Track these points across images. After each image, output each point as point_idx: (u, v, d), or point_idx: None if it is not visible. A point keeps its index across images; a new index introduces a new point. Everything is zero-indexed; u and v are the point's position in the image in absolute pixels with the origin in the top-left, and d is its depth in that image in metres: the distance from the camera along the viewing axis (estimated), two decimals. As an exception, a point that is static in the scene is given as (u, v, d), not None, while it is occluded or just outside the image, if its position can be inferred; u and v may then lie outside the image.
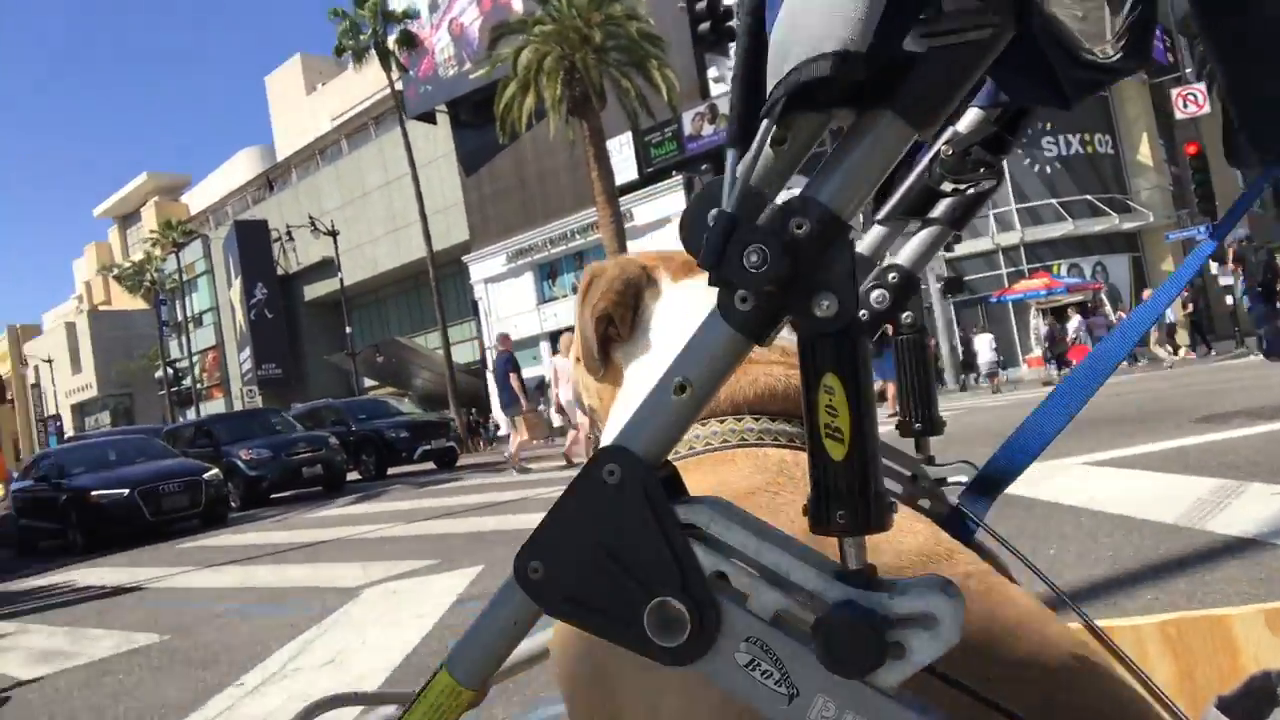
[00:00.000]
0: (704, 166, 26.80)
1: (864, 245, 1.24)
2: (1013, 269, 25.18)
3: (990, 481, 1.14)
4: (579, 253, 29.90)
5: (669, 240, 26.00)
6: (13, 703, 3.93)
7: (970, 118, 1.05)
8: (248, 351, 40.74)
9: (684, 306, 1.18)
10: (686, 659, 0.68)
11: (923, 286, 1.33)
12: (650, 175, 27.44)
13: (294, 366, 40.81)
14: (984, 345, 20.33)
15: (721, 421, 1.06)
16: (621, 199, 24.70)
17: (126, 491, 11.10)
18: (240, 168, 48.39)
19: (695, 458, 1.03)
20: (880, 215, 1.23)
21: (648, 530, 0.69)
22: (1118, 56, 0.71)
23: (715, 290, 0.69)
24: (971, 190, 1.15)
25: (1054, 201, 24.97)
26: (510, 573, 0.73)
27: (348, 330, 32.91)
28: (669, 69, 22.77)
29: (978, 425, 9.87)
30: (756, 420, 1.05)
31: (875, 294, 1.21)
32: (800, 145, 0.62)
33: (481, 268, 32.83)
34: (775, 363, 1.13)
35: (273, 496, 14.43)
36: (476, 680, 0.80)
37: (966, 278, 24.67)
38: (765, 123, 0.59)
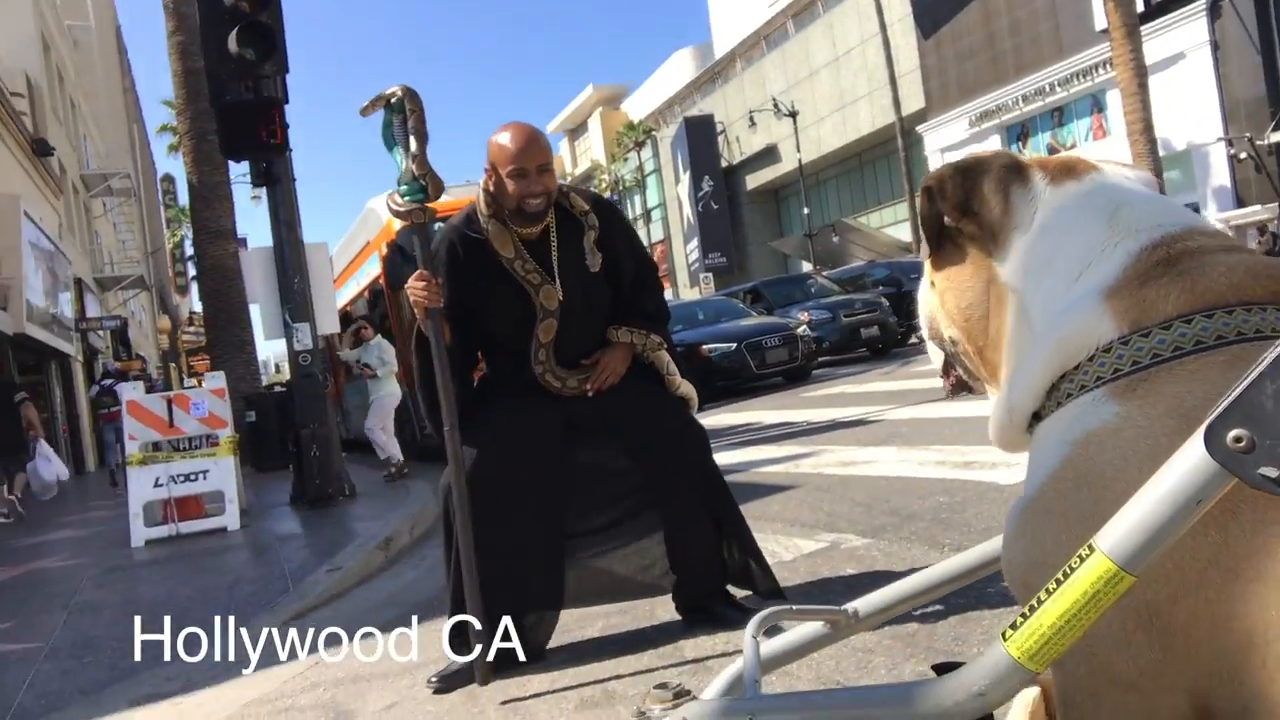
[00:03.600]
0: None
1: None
2: None
3: None
4: (1057, 108, 26.97)
5: (1182, 81, 22.36)
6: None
7: None
8: (695, 242, 42.71)
9: (1071, 214, 1.00)
10: None
11: None
12: (1160, 4, 23.66)
13: (736, 254, 42.10)
14: None
15: (1209, 316, 0.87)
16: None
17: (734, 345, 11.61)
18: (677, 69, 50.16)
19: (1193, 358, 0.86)
20: None
21: None
22: None
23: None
24: None
25: None
26: (1197, 445, 0.66)
27: (804, 211, 33.08)
28: None
29: None
30: (1249, 311, 0.87)
31: None
32: None
33: (939, 136, 30.94)
34: (1231, 248, 0.95)
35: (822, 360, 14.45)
36: (1140, 564, 0.72)
37: None
38: None
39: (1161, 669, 0.83)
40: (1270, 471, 0.65)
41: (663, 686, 2.46)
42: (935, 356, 1.31)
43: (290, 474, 7.98)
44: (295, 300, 7.33)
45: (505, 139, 2.63)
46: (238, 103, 7.13)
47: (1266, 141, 20.18)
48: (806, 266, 35.38)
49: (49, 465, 9.42)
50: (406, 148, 2.50)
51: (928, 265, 1.18)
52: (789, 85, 36.13)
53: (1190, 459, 0.69)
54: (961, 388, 1.29)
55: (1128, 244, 0.97)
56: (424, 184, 2.51)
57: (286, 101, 7.36)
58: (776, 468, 5.56)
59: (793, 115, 31.16)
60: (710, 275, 39.16)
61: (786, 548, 3.64)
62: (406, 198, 2.53)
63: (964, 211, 1.07)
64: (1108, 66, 21.89)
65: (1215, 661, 0.81)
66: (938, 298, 1.16)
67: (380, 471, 8.82)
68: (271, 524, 6.74)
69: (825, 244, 33.72)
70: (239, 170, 13.20)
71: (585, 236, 2.77)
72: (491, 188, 2.67)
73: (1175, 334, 0.88)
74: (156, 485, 6.39)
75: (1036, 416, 1.03)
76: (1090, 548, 0.74)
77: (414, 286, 2.58)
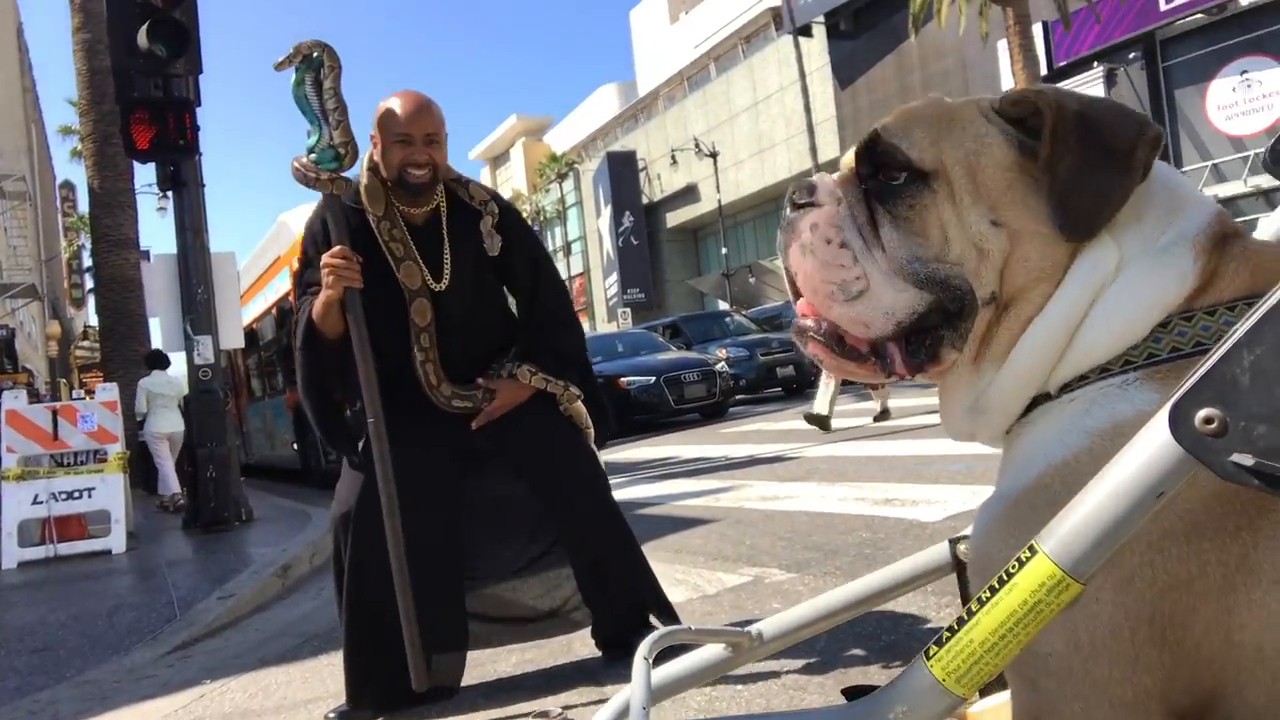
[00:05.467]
0: (1131, 54, 23.71)
1: None
2: None
3: None
4: (967, 163, 28.09)
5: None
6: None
7: None
8: (614, 277, 42.79)
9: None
10: None
11: None
12: (1061, 70, 24.93)
13: (654, 291, 42.33)
14: None
15: (1231, 309, 0.77)
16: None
17: (653, 379, 11.55)
18: (601, 104, 50.54)
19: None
20: None
21: None
22: None
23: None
24: None
25: None
26: (1160, 428, 0.59)
27: (723, 251, 33.53)
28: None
29: None
30: None
31: None
32: None
33: (854, 185, 31.92)
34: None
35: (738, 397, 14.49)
36: (1090, 568, 0.63)
37: None
38: None
39: (1168, 688, 0.74)
40: (1244, 459, 0.57)
41: (543, 715, 2.33)
42: (882, 317, 0.94)
43: (184, 496, 7.58)
44: (198, 311, 6.98)
45: (394, 104, 2.44)
46: (145, 101, 6.79)
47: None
48: (723, 305, 35.81)
49: None
50: (324, 111, 2.27)
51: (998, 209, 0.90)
52: (710, 127, 36.69)
53: (1151, 444, 0.61)
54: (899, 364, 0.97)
55: (1199, 213, 0.86)
56: (341, 152, 2.29)
57: (199, 103, 7.06)
58: (696, 501, 5.48)
59: (713, 156, 31.65)
60: (628, 310, 39.26)
61: (709, 581, 3.54)
62: (321, 166, 2.29)
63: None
64: (1015, 125, 22.90)
65: (1221, 676, 0.73)
66: (992, 247, 0.89)
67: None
68: (161, 548, 6.32)
69: (742, 284, 34.18)
70: (144, 178, 12.65)
71: (483, 221, 2.58)
72: (377, 156, 2.47)
73: (1220, 321, 0.79)
74: (35, 502, 5.92)
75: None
76: (1031, 549, 0.65)
77: (332, 263, 2.32)
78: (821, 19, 31.77)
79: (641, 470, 7.47)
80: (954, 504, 4.15)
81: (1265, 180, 19.08)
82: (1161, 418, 0.61)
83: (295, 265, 2.75)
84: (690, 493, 5.83)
